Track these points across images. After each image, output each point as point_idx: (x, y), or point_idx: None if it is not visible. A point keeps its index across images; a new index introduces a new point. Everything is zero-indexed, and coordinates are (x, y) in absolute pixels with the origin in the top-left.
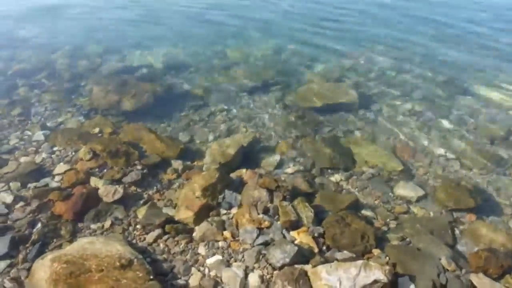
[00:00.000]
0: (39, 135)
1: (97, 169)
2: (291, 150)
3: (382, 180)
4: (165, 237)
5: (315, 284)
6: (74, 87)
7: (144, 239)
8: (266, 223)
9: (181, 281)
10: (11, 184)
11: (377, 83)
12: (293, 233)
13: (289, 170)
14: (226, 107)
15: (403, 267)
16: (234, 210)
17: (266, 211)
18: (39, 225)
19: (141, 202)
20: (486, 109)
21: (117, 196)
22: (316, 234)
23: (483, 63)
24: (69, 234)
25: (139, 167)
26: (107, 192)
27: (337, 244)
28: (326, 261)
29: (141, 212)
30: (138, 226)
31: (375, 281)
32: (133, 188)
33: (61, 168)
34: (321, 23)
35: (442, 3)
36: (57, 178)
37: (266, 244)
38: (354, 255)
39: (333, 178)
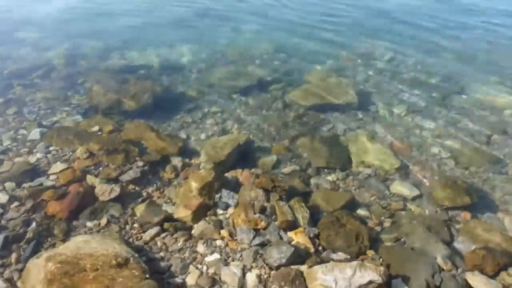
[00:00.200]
0: (35, 134)
1: (93, 167)
2: (287, 150)
3: (378, 179)
4: (163, 234)
5: (311, 284)
6: (72, 86)
7: (141, 237)
8: (263, 224)
9: (178, 279)
10: (6, 184)
11: (375, 82)
12: (290, 234)
13: (286, 170)
14: (223, 106)
15: (397, 268)
16: (230, 210)
17: (263, 210)
18: (33, 224)
19: (140, 200)
20: (481, 109)
21: (113, 195)
22: (311, 235)
23: (479, 62)
24: (63, 233)
25: (140, 163)
26: (103, 190)
27: (332, 246)
28: (322, 261)
29: (139, 210)
30: (135, 225)
31: (370, 282)
32: (131, 186)
33: (57, 167)
34: (319, 21)
35: (442, 2)
36: (52, 177)
37: (263, 244)
38: (348, 256)
39: (329, 178)
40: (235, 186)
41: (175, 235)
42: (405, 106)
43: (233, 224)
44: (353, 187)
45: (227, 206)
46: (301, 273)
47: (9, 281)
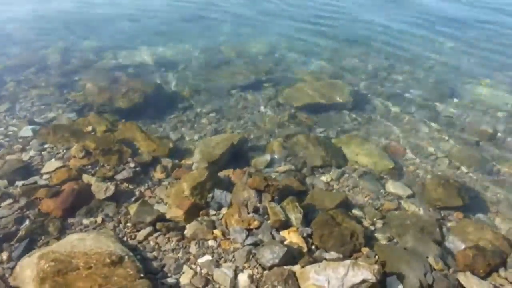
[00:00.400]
0: (27, 131)
1: (89, 167)
2: (282, 149)
3: (372, 179)
4: (156, 234)
5: (304, 284)
6: (66, 83)
7: (135, 236)
8: (256, 223)
9: (171, 280)
10: None
11: (370, 82)
12: (283, 233)
13: (280, 169)
14: (217, 105)
15: (391, 266)
16: (224, 210)
17: (256, 210)
18: (27, 222)
19: (133, 199)
20: (474, 110)
21: (108, 193)
22: (305, 235)
23: (473, 64)
24: (57, 231)
25: (132, 164)
26: (99, 189)
27: (325, 245)
28: (315, 261)
29: (132, 209)
30: (128, 224)
31: (364, 281)
32: (125, 185)
33: (52, 165)
34: (315, 20)
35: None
36: (46, 176)
37: (255, 244)
38: (341, 256)
39: (324, 178)
40: (228, 186)
41: (167, 235)
42: (399, 106)
43: (226, 224)
44: (348, 187)
45: (220, 206)
46: (294, 273)
47: (1, 278)
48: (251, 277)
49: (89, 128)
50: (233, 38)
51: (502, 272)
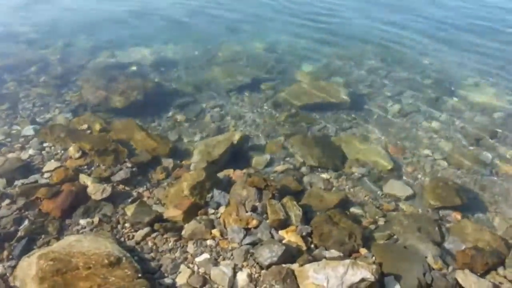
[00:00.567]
0: (28, 130)
1: (86, 167)
2: (281, 149)
3: (371, 178)
4: (154, 234)
5: (303, 283)
6: (64, 83)
7: (133, 237)
8: (254, 222)
9: (168, 279)
10: None
11: (368, 82)
12: (281, 232)
13: (279, 169)
14: (216, 105)
15: (390, 266)
16: (222, 209)
17: (254, 209)
18: (26, 222)
19: (130, 200)
20: (472, 110)
21: (105, 195)
22: (304, 233)
23: (471, 65)
24: (57, 231)
25: (129, 165)
26: (96, 190)
27: (325, 244)
28: (314, 259)
29: (130, 210)
30: (126, 225)
31: (362, 280)
32: (121, 186)
33: (51, 165)
34: (314, 20)
35: (435, 2)
36: (46, 175)
37: (254, 243)
38: (341, 254)
39: (322, 177)
40: (227, 186)
41: (165, 235)
42: (398, 107)
43: (224, 224)
44: (347, 187)
45: (218, 206)
46: (292, 271)
47: (1, 277)
48: (249, 276)
49: (85, 127)
50: (232, 37)
51: (500, 270)
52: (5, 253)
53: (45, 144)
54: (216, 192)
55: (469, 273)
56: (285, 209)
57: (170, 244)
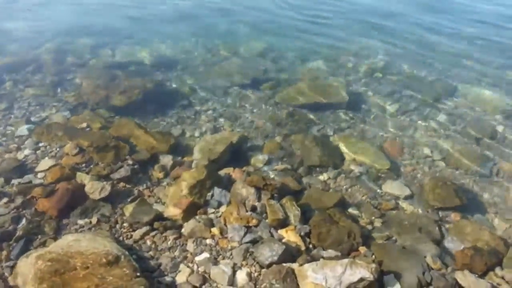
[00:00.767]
0: (23, 130)
1: (84, 165)
2: (279, 149)
3: (370, 178)
4: (153, 233)
5: (302, 282)
6: (62, 81)
7: (131, 236)
8: (254, 221)
9: (168, 278)
10: None
11: (367, 82)
12: (281, 232)
13: (278, 168)
14: (215, 104)
15: (389, 265)
16: (222, 208)
17: (254, 209)
18: (23, 221)
19: (130, 198)
20: (472, 110)
21: (104, 194)
22: (302, 233)
23: (471, 63)
24: (53, 231)
25: (130, 162)
26: (94, 189)
27: (323, 243)
28: (313, 259)
29: (129, 209)
30: (125, 224)
31: (361, 279)
32: (122, 184)
33: (45, 163)
34: (312, 20)
35: (436, 1)
36: (40, 174)
37: (253, 242)
38: (339, 254)
39: (321, 177)
40: (227, 184)
41: (164, 234)
42: (397, 106)
43: (225, 222)
44: (345, 186)
45: (219, 204)
46: (293, 270)
47: (0, 277)
48: (249, 274)
49: (84, 125)
50: (231, 37)
51: (498, 271)
52: (4, 253)
53: (40, 144)
54: (217, 190)
55: (468, 273)
56: (284, 209)
57: (169, 243)
